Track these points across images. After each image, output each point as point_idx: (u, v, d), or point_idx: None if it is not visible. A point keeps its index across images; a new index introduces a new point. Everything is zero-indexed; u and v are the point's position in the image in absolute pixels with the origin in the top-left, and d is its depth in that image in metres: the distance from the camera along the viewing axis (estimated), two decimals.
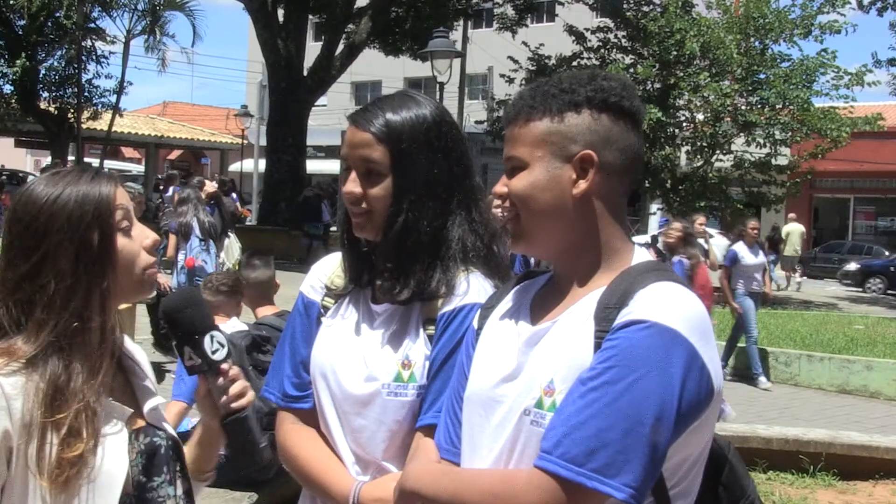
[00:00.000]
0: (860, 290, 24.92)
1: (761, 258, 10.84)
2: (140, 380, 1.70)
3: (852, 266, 25.64)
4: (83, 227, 1.56)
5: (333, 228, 18.57)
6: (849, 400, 9.83)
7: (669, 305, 1.42)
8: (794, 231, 22.63)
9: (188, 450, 1.76)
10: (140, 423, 1.63)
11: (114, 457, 1.55)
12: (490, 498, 1.44)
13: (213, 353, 1.65)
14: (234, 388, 1.67)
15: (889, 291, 24.65)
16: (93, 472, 1.51)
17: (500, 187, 1.60)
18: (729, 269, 10.54)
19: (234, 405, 1.67)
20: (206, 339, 1.65)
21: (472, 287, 1.86)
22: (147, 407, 1.65)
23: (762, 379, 10.31)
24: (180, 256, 9.07)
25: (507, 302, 1.70)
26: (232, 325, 5.09)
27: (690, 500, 1.50)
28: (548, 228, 1.56)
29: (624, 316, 1.42)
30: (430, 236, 1.86)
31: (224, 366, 1.67)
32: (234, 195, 21.60)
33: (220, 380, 1.66)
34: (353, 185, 1.87)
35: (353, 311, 1.95)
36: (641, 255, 1.59)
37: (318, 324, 1.98)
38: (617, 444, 1.34)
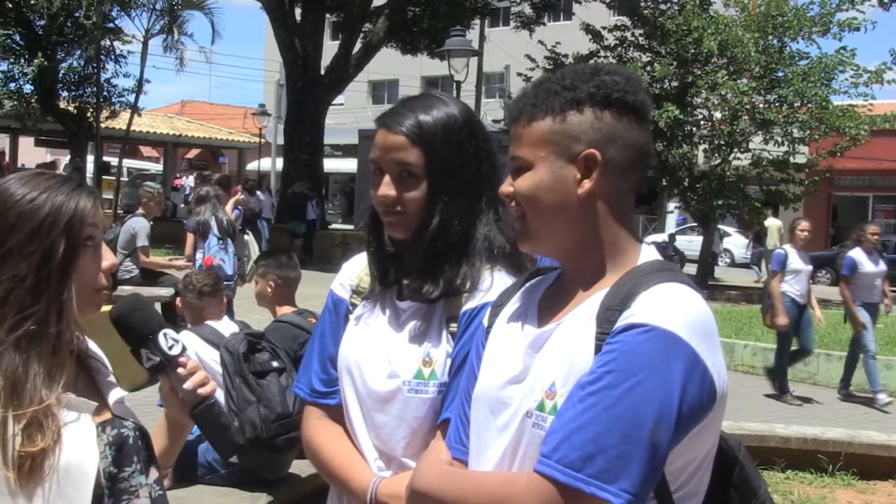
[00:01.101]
0: (811, 281, 25.39)
1: (882, 266, 9.71)
2: (104, 376, 1.72)
3: None
4: (53, 235, 1.56)
5: (355, 227, 18.59)
6: (868, 399, 9.68)
7: (670, 308, 1.40)
8: (771, 226, 22.69)
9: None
10: (106, 415, 1.65)
11: (83, 449, 1.57)
12: (491, 501, 1.45)
13: (170, 348, 1.69)
14: (197, 378, 1.71)
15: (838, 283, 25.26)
16: (60, 464, 1.52)
17: (507, 187, 1.60)
18: (849, 279, 9.50)
19: (200, 392, 1.71)
20: (160, 336, 1.69)
21: (496, 284, 1.87)
22: (112, 399, 1.68)
23: (881, 396, 9.34)
24: (198, 255, 9.01)
25: (515, 301, 1.70)
26: (224, 325, 5.16)
27: (696, 502, 1.49)
28: (553, 228, 1.56)
29: (625, 319, 1.41)
30: (460, 235, 1.88)
31: (182, 359, 1.71)
32: (258, 193, 21.62)
33: (181, 370, 1.70)
34: (388, 189, 1.87)
35: (379, 309, 1.97)
36: (648, 254, 1.57)
37: (346, 321, 2.01)
38: (615, 450, 1.33)
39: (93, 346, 1.76)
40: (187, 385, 1.70)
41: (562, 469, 1.35)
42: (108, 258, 1.67)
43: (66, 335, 1.58)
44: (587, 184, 1.51)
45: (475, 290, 1.87)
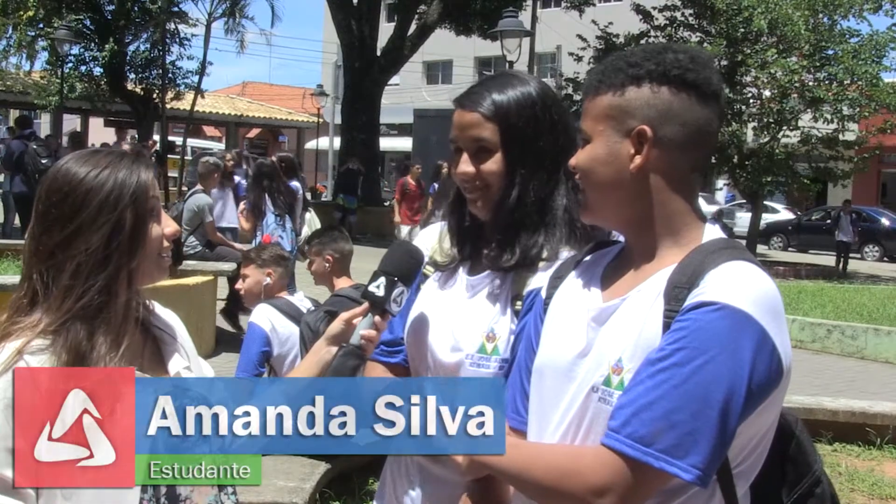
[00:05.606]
0: (766, 247, 26.77)
1: None
2: (169, 346, 1.78)
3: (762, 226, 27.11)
4: (120, 208, 1.62)
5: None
6: None
7: (740, 287, 1.40)
8: None
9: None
10: None
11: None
12: (557, 474, 1.45)
13: (393, 300, 1.83)
14: (372, 334, 1.84)
15: (789, 248, 27.20)
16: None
17: (573, 160, 1.63)
18: None
19: (363, 343, 1.83)
20: (398, 287, 1.83)
21: None
22: (172, 369, 1.74)
23: None
24: (257, 234, 9.05)
25: (576, 273, 1.70)
26: (299, 299, 5.29)
27: (751, 479, 1.51)
28: (608, 201, 1.57)
29: (694, 297, 1.41)
30: (538, 206, 1.92)
31: (388, 315, 1.86)
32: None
33: (378, 319, 1.83)
34: (465, 166, 1.92)
35: (450, 282, 2.01)
36: (712, 232, 1.56)
37: (416, 290, 2.03)
38: (685, 426, 1.34)
39: (164, 315, 1.82)
40: (365, 332, 1.83)
41: (631, 444, 1.37)
42: (170, 225, 1.74)
43: (133, 302, 1.67)
44: (638, 160, 1.52)
45: (549, 265, 1.87)
